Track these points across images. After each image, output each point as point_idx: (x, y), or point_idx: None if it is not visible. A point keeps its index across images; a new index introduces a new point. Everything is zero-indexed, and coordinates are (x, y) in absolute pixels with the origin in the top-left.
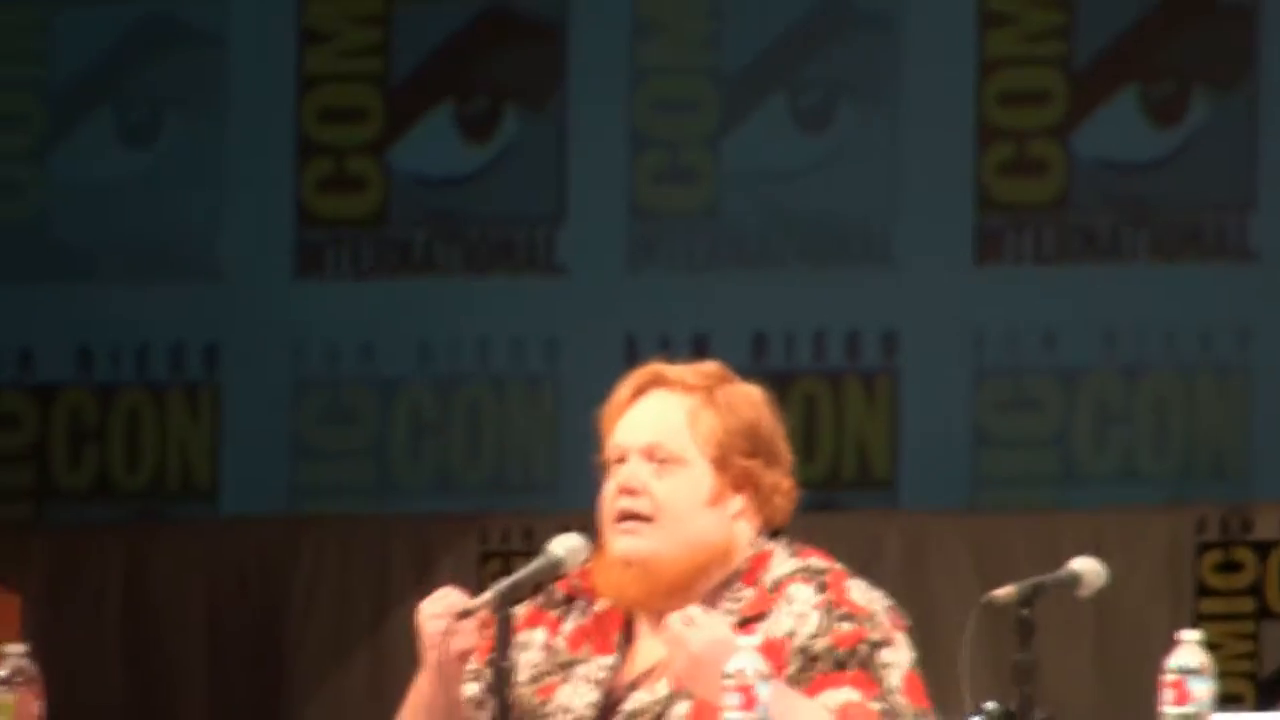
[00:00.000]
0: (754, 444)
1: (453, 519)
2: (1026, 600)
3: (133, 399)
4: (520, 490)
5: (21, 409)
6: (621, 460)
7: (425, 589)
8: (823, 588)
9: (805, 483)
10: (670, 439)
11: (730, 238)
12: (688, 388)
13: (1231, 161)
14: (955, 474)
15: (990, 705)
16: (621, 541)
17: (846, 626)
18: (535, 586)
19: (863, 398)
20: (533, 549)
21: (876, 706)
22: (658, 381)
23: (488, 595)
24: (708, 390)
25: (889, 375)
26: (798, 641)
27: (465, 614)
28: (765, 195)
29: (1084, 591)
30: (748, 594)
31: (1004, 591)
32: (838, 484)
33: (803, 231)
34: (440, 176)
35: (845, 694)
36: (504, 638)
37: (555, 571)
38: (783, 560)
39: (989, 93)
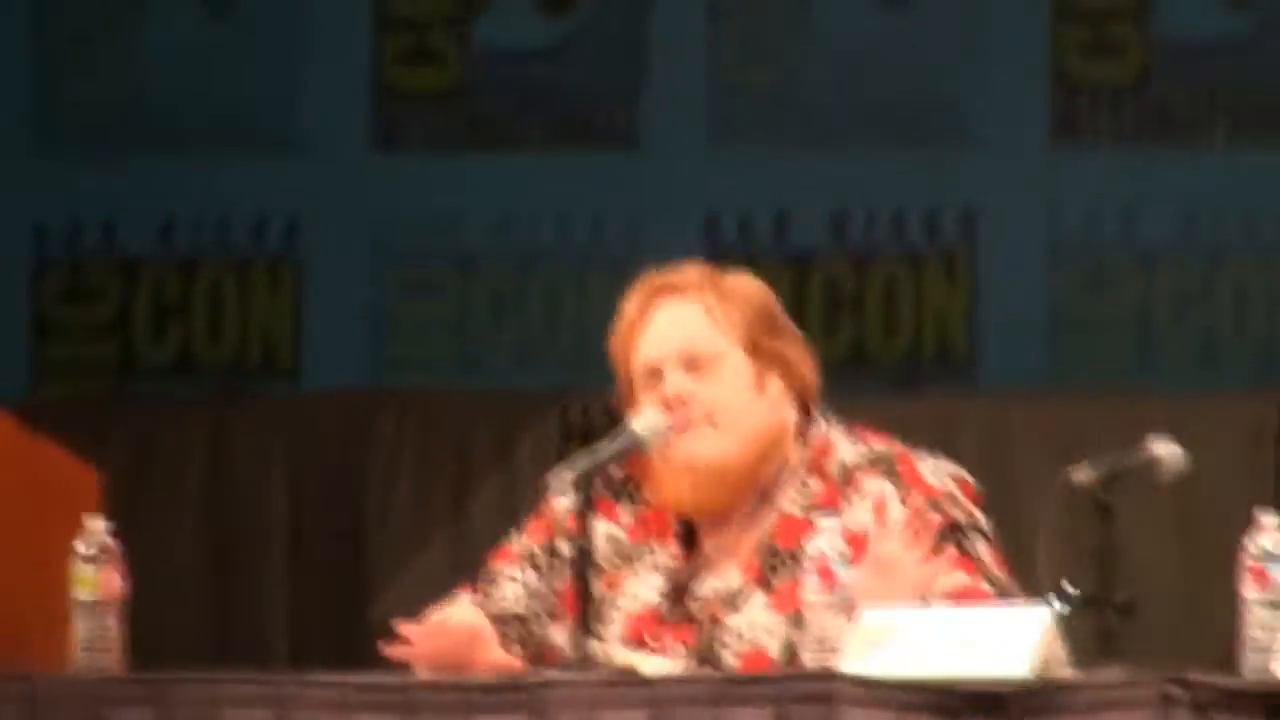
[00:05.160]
0: (771, 324)
1: (534, 396)
2: (1105, 482)
3: (215, 273)
4: (602, 368)
5: (105, 282)
6: (655, 376)
7: (507, 466)
8: (894, 475)
9: (885, 361)
10: (700, 339)
11: (810, 115)
12: (695, 288)
13: None
14: (1034, 355)
15: (1069, 588)
16: (686, 448)
17: (931, 515)
18: (613, 466)
19: (942, 277)
20: (615, 427)
21: (987, 585)
22: (663, 290)
23: (568, 473)
24: (714, 285)
25: (967, 255)
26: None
27: (545, 490)
28: (845, 72)
29: (1163, 475)
30: (814, 484)
31: (1082, 472)
32: (917, 364)
33: (882, 109)
34: (519, 49)
35: (956, 578)
36: (586, 517)
37: (636, 450)
38: (846, 447)
39: None
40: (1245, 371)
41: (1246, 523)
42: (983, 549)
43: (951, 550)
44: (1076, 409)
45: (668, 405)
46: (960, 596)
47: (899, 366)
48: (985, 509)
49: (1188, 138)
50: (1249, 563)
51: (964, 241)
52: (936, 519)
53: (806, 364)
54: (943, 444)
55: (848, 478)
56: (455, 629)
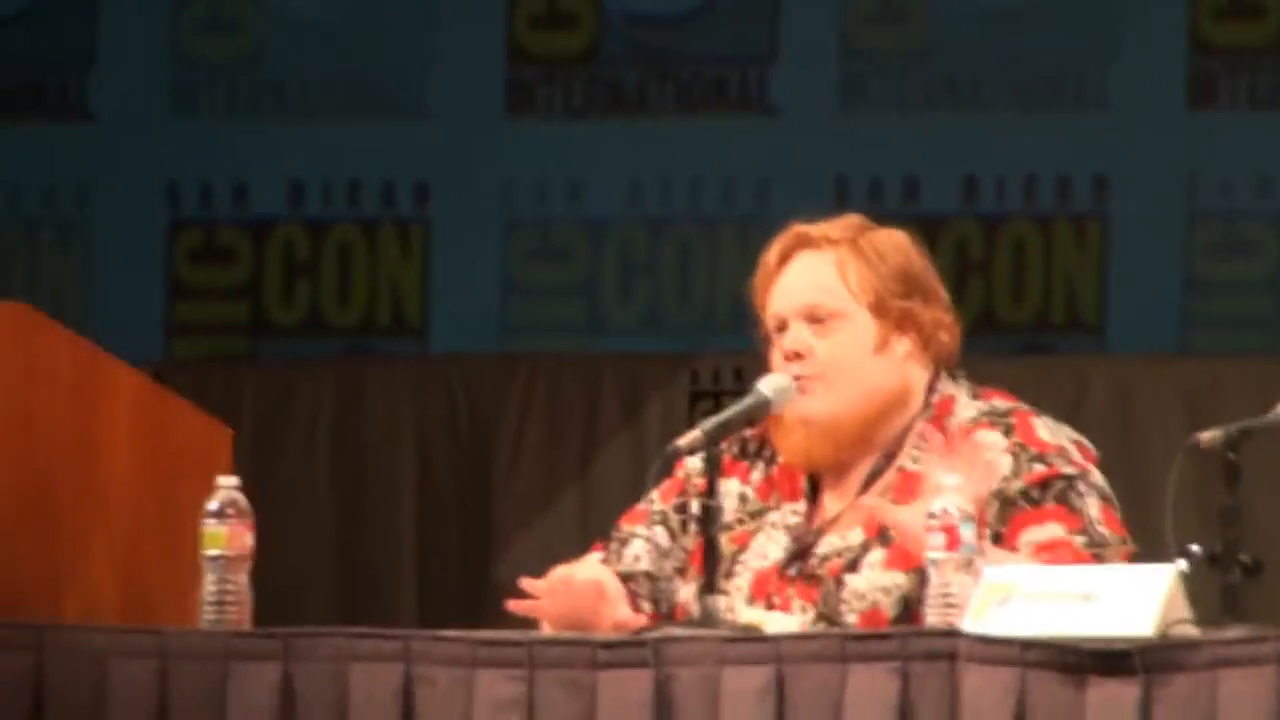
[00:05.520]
0: (907, 284)
1: (663, 358)
2: (1233, 444)
3: (344, 235)
4: (731, 329)
5: (237, 243)
6: (782, 328)
7: (635, 428)
8: (1009, 430)
9: (1014, 326)
10: (825, 296)
11: (942, 79)
12: (832, 242)
13: None
14: (1164, 318)
15: (1194, 548)
16: (799, 404)
17: (1039, 467)
18: (741, 427)
19: (1073, 241)
20: (744, 388)
21: (1080, 539)
22: (802, 242)
23: (696, 434)
24: (852, 241)
25: (1099, 219)
26: (993, 486)
27: (675, 455)
28: (978, 36)
29: None
30: (932, 438)
31: (1210, 434)
32: (1046, 327)
33: (1014, 73)
34: (652, 15)
35: (1049, 530)
36: (712, 477)
37: (763, 411)
38: (966, 404)
39: None
40: None
41: None
42: (1092, 505)
43: (1053, 503)
44: (1206, 373)
45: (787, 357)
46: (1045, 549)
47: (1028, 330)
48: (1105, 472)
49: None
50: None
51: (1096, 206)
52: (1044, 469)
53: (944, 327)
54: (1071, 405)
55: (964, 431)
56: (581, 585)
